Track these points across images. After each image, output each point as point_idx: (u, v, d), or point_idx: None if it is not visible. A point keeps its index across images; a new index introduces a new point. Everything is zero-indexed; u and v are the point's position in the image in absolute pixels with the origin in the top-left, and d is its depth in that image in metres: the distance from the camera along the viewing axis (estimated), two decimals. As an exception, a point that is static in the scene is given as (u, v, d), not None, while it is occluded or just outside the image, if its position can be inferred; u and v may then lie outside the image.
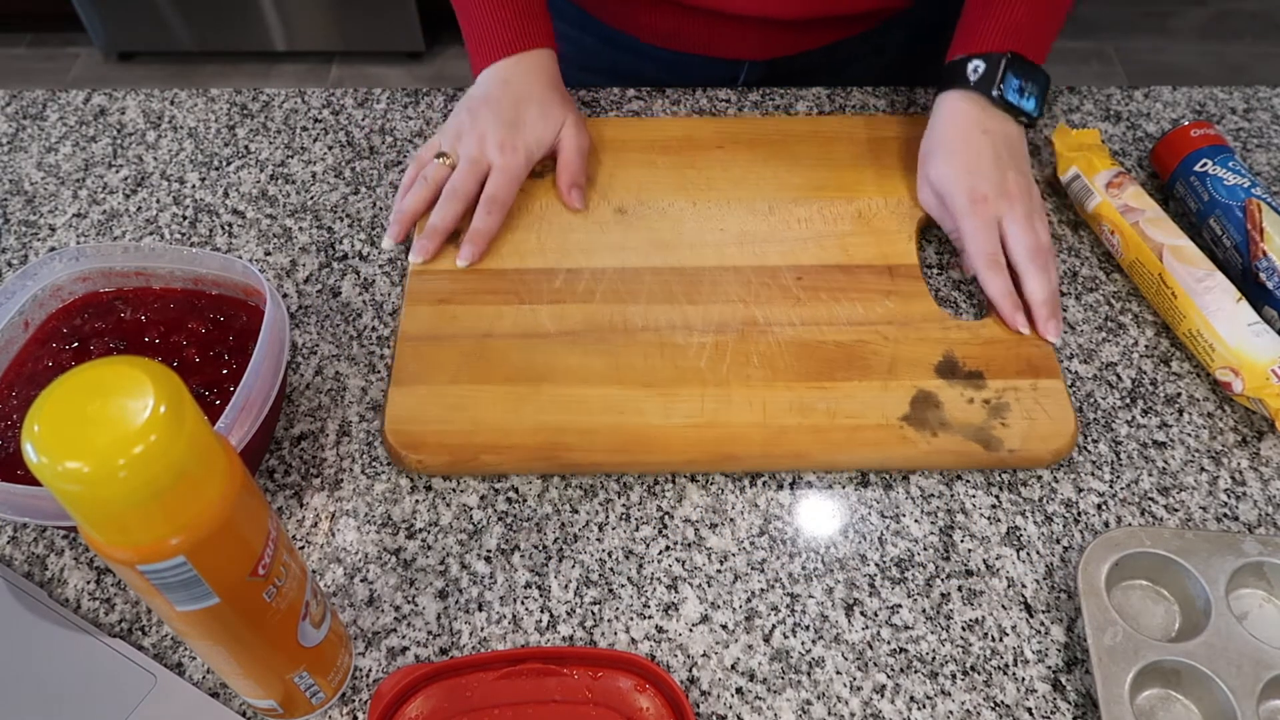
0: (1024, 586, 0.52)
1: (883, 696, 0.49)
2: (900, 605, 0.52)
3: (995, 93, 0.63)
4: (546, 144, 0.66)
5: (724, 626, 0.51)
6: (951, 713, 0.48)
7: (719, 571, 0.53)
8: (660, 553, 0.53)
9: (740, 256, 0.64)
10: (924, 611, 0.51)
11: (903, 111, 0.76)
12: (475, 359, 0.58)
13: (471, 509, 0.55)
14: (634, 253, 0.64)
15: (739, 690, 0.49)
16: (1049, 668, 0.49)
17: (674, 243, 0.65)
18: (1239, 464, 0.57)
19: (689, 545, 0.54)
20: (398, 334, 0.60)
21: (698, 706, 0.48)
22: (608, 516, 0.55)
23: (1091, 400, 0.60)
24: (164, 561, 0.34)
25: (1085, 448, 0.58)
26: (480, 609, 0.52)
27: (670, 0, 0.75)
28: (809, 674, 0.49)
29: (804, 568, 0.53)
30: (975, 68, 0.64)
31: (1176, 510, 0.55)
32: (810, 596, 0.52)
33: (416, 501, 0.55)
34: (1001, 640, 0.50)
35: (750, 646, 0.50)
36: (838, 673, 0.49)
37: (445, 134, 0.67)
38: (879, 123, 0.73)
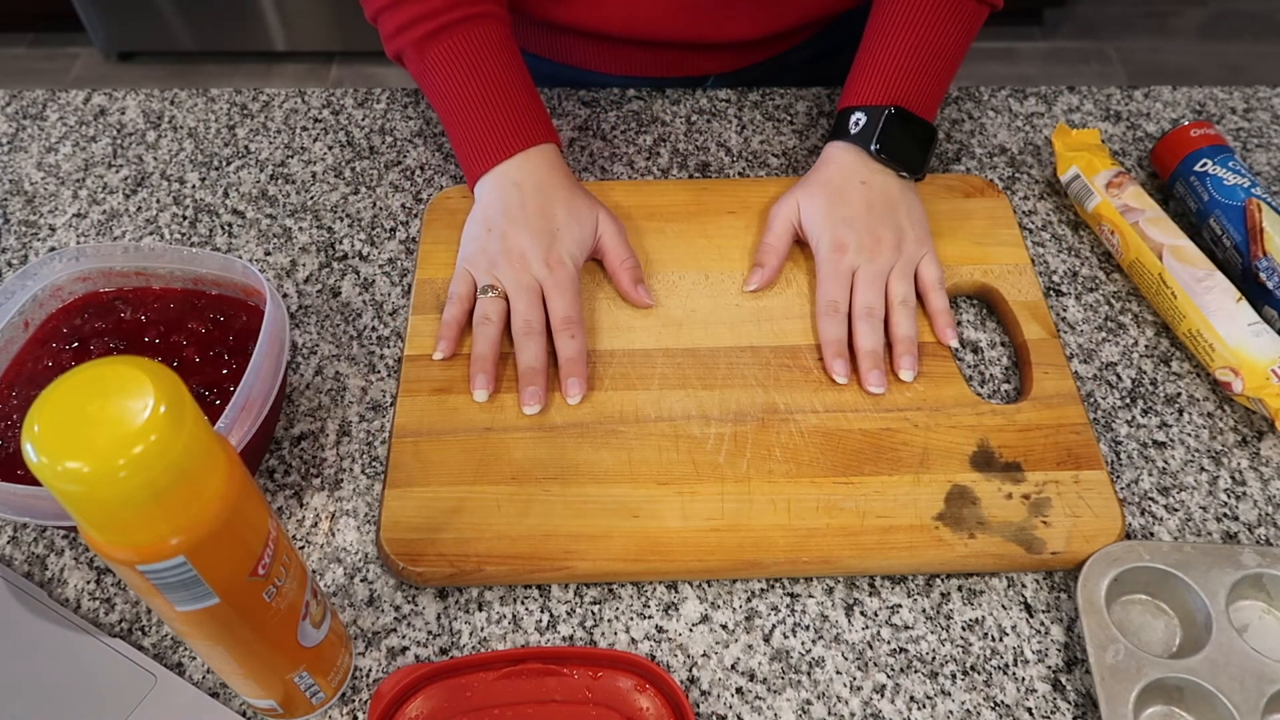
0: (1024, 586, 0.52)
1: (883, 696, 0.49)
2: (900, 605, 0.52)
3: (874, 147, 0.63)
4: (589, 247, 0.62)
5: (724, 626, 0.51)
6: (951, 713, 0.48)
7: (719, 571, 0.53)
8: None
9: (758, 335, 0.60)
10: (924, 611, 0.51)
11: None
12: (477, 456, 0.55)
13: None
14: (644, 333, 0.60)
15: (739, 690, 0.49)
16: (1049, 668, 0.49)
17: (686, 321, 0.61)
18: (1239, 464, 0.57)
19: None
20: (392, 428, 0.56)
21: (698, 706, 0.48)
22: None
23: (1091, 400, 0.60)
24: (164, 561, 0.34)
25: (1085, 448, 0.58)
26: (480, 609, 0.52)
27: (634, 40, 0.75)
28: (809, 674, 0.49)
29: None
30: (857, 120, 0.64)
31: (1176, 510, 0.55)
32: (810, 596, 0.52)
33: (416, 501, 0.55)
34: (1001, 640, 0.50)
35: (750, 646, 0.50)
36: (838, 673, 0.49)
37: (474, 261, 0.61)
38: None
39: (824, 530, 0.52)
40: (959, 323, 0.63)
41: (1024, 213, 0.70)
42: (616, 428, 0.56)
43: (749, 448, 0.55)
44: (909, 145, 0.64)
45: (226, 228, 0.69)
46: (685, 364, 0.59)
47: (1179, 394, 0.60)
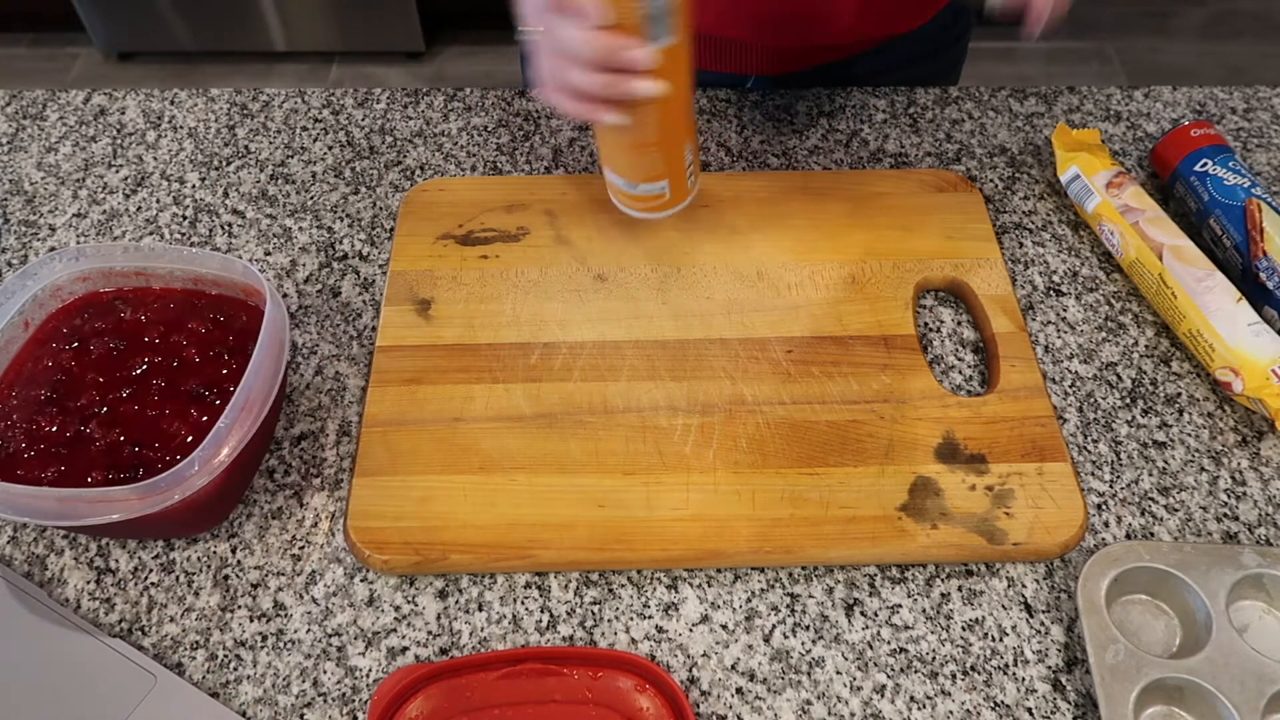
0: (1024, 586, 0.52)
1: (883, 696, 0.49)
2: (900, 605, 0.52)
3: None
4: None
5: (724, 626, 0.51)
6: (951, 713, 0.48)
7: (719, 571, 0.53)
8: (660, 553, 0.53)
9: (728, 328, 0.61)
10: (924, 611, 0.51)
11: (903, 112, 0.76)
12: (445, 446, 0.55)
13: (471, 509, 0.55)
14: (614, 324, 0.61)
15: (739, 690, 0.49)
16: (1049, 668, 0.49)
17: (657, 313, 0.61)
18: (1239, 464, 0.57)
19: (689, 545, 0.54)
20: (362, 418, 0.57)
21: (698, 706, 0.48)
22: (608, 516, 0.55)
23: (1091, 400, 0.60)
24: None
25: (1085, 447, 0.58)
26: (480, 609, 0.52)
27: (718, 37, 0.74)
28: (809, 674, 0.49)
29: (804, 568, 0.53)
30: None
31: (1177, 510, 0.55)
32: (810, 596, 0.52)
33: (416, 501, 0.55)
34: (1001, 640, 0.50)
35: (750, 646, 0.50)
36: (838, 673, 0.49)
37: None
38: (869, 178, 0.69)
39: (788, 520, 0.52)
40: (925, 316, 0.63)
41: (1024, 213, 0.70)
42: (584, 418, 0.56)
43: (715, 439, 0.56)
44: None
45: (226, 228, 0.69)
46: (655, 356, 0.59)
47: (1179, 394, 0.60)
